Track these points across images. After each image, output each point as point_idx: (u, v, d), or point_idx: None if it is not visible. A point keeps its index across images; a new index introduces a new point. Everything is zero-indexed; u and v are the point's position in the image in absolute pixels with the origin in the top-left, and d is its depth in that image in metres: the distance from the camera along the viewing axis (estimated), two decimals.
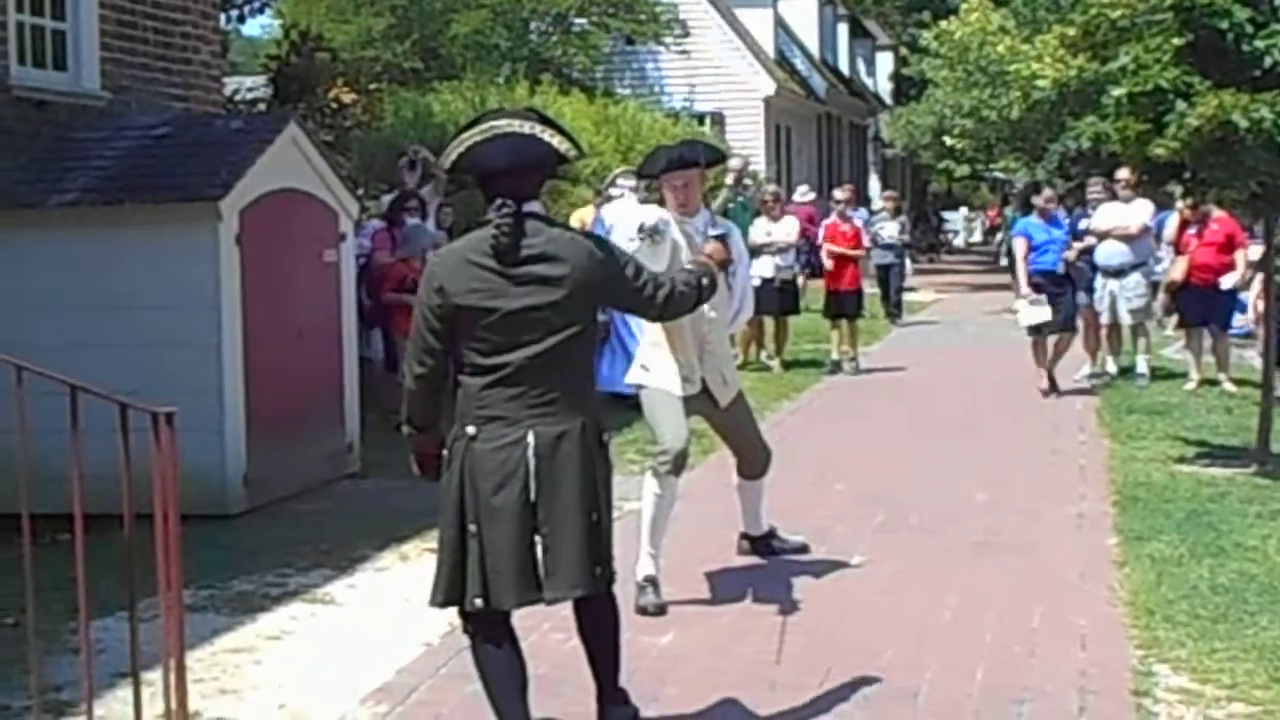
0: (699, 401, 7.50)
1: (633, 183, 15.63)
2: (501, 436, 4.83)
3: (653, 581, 7.19)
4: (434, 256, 5.23)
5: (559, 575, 4.86)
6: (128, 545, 5.03)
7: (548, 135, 4.95)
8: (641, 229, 6.47)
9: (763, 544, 8.09)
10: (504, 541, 4.82)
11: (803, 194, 25.98)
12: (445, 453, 4.98)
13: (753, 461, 7.87)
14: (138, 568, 5.11)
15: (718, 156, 7.85)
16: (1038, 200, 14.95)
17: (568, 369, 4.90)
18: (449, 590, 4.93)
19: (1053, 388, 14.64)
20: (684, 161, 7.30)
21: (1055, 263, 14.51)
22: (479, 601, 4.84)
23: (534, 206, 4.98)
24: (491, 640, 4.98)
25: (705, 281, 5.38)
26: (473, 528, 4.85)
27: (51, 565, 5.63)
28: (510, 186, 4.88)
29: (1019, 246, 14.74)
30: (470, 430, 4.87)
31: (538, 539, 4.86)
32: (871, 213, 21.23)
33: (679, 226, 7.23)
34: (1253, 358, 15.31)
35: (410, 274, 12.27)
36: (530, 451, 4.82)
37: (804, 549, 8.12)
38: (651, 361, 7.39)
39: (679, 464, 7.27)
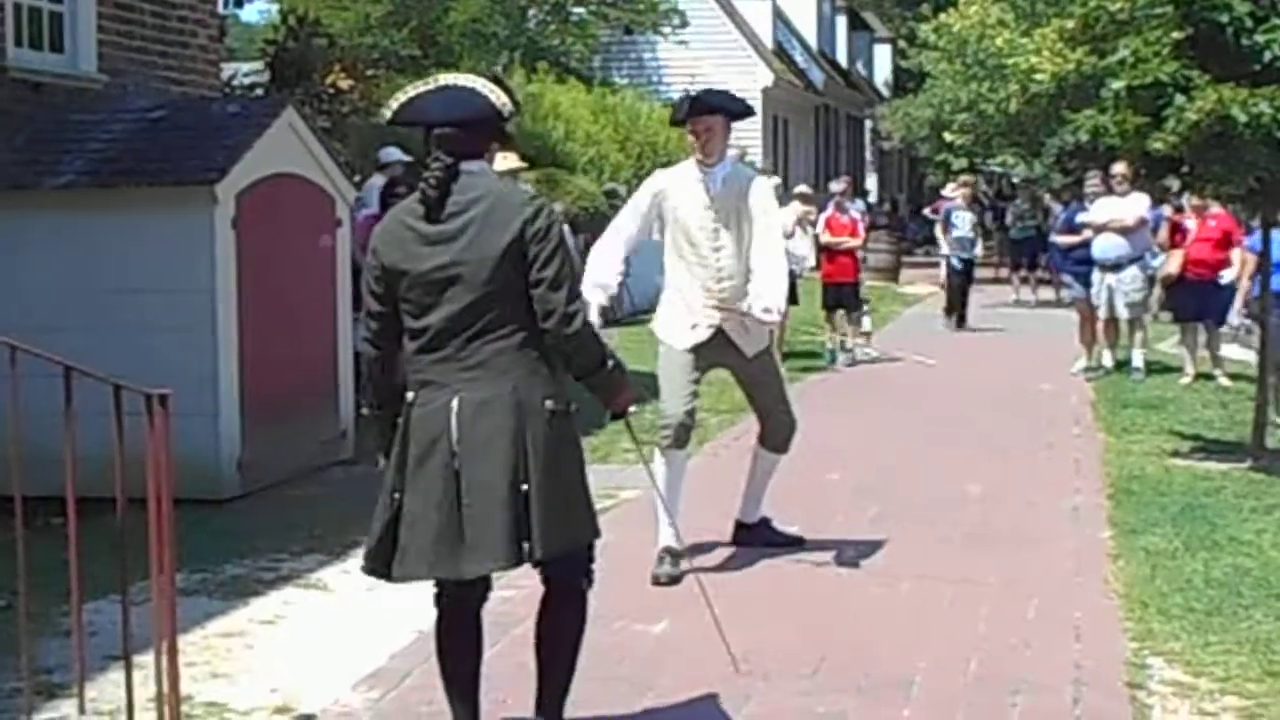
0: (719, 350, 7.56)
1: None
2: (431, 401, 4.70)
3: (670, 552, 7.37)
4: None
5: (479, 548, 4.63)
6: (120, 528, 5.02)
7: (485, 90, 4.84)
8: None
9: (755, 533, 8.06)
10: (421, 509, 4.66)
11: None
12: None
13: (774, 428, 7.85)
14: (130, 551, 5.10)
15: (744, 109, 7.84)
16: None
17: (494, 331, 4.69)
18: (373, 557, 4.80)
19: None
20: (706, 107, 7.51)
21: None
22: (396, 569, 4.73)
23: (476, 165, 4.80)
24: (450, 621, 4.91)
25: (610, 363, 4.88)
26: (397, 495, 4.73)
27: (44, 548, 5.62)
28: (445, 140, 4.75)
29: (1246, 262, 12.86)
30: (409, 396, 4.76)
31: (462, 510, 4.64)
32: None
33: (697, 169, 7.47)
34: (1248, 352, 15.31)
35: None
36: (453, 416, 4.65)
37: (798, 541, 8.08)
38: (663, 309, 7.62)
39: (680, 436, 7.45)
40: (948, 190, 25.02)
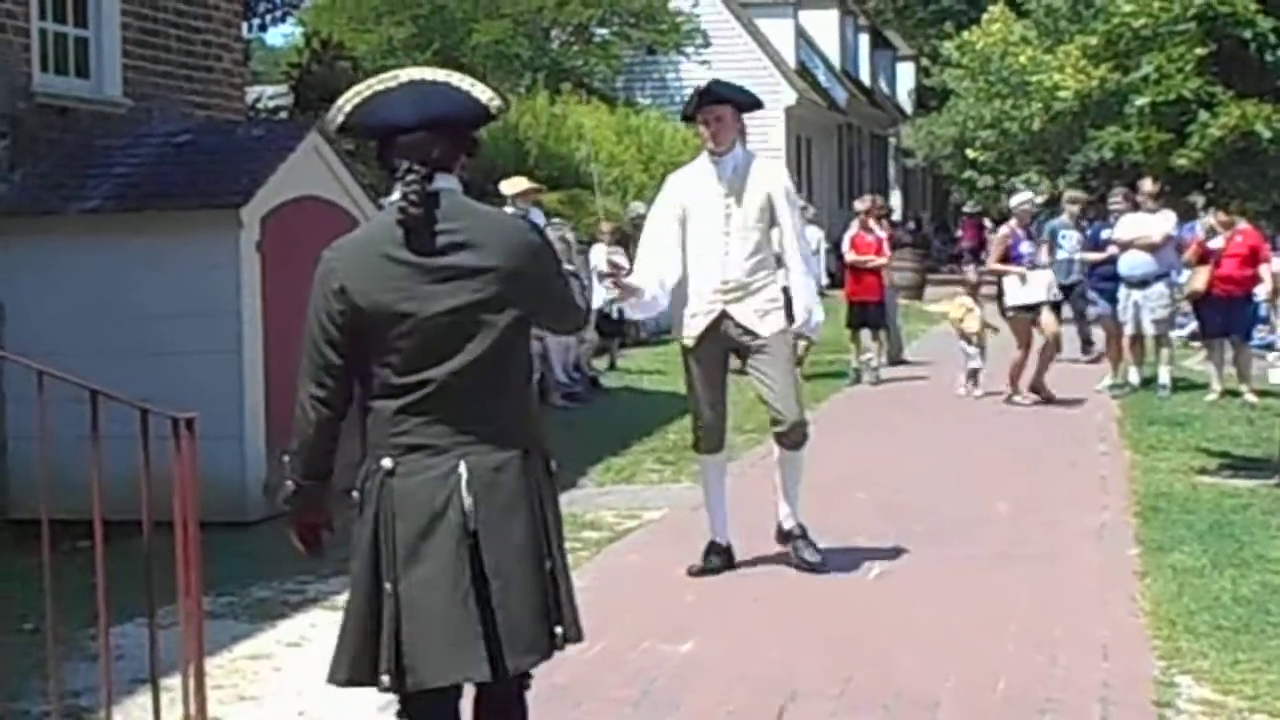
0: (730, 335, 7.73)
1: None
2: (426, 469, 3.86)
3: (713, 548, 7.88)
4: (329, 249, 4.11)
5: (518, 638, 3.85)
6: (147, 551, 5.04)
7: (465, 84, 3.96)
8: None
9: (787, 539, 8.06)
10: (432, 600, 3.80)
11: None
12: (356, 499, 3.99)
13: (779, 421, 7.82)
14: (157, 574, 5.12)
15: (752, 101, 8.06)
16: None
17: (503, 384, 3.93)
18: (354, 666, 3.93)
19: None
20: (715, 97, 7.78)
21: None
22: (386, 679, 3.86)
23: (449, 183, 3.94)
24: None
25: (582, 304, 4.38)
26: (388, 586, 3.84)
27: (71, 571, 5.64)
28: (416, 148, 3.86)
29: None
30: (386, 464, 3.88)
31: (487, 595, 3.85)
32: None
33: (709, 160, 7.74)
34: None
35: None
36: (464, 485, 3.84)
37: (825, 561, 8.02)
38: (678, 309, 7.87)
39: (707, 441, 7.88)
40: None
